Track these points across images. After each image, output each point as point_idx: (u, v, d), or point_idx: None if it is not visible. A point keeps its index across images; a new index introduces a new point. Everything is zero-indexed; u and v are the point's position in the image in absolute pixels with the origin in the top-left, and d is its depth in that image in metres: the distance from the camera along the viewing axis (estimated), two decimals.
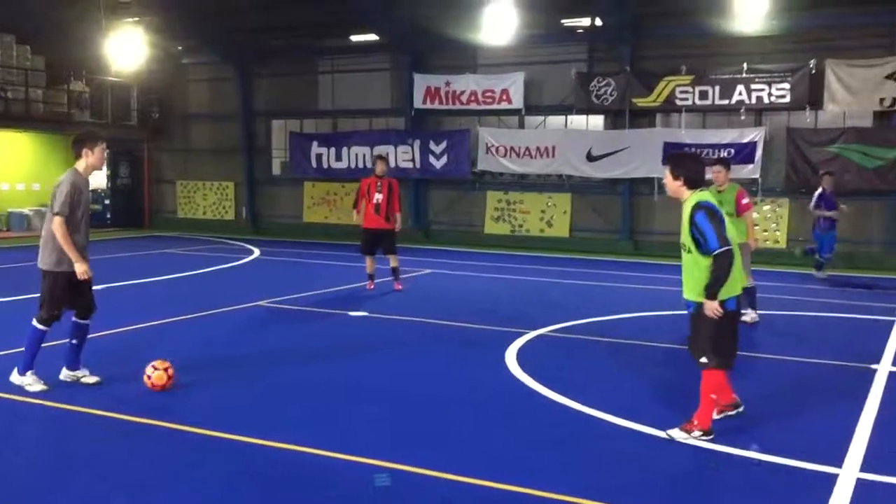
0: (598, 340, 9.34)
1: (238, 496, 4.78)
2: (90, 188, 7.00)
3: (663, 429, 5.93)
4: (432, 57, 21.83)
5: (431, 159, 21.58)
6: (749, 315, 10.36)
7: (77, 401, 6.47)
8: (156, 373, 6.73)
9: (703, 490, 5.09)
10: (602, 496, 4.78)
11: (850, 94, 17.29)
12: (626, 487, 5.00)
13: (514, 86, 20.50)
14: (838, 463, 5.36)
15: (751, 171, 18.19)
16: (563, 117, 20.74)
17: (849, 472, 5.22)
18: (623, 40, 19.43)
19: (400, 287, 12.71)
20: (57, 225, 6.55)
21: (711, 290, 5.62)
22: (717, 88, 18.46)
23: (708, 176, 10.92)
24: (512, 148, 20.62)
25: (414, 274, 14.92)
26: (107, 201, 24.69)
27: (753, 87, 18.11)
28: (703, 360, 5.84)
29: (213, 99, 25.04)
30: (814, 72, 17.52)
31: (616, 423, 6.18)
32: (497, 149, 20.81)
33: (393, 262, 12.85)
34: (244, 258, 17.28)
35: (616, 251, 19.24)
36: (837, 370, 8.19)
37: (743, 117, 18.58)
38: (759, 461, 5.38)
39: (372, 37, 22.34)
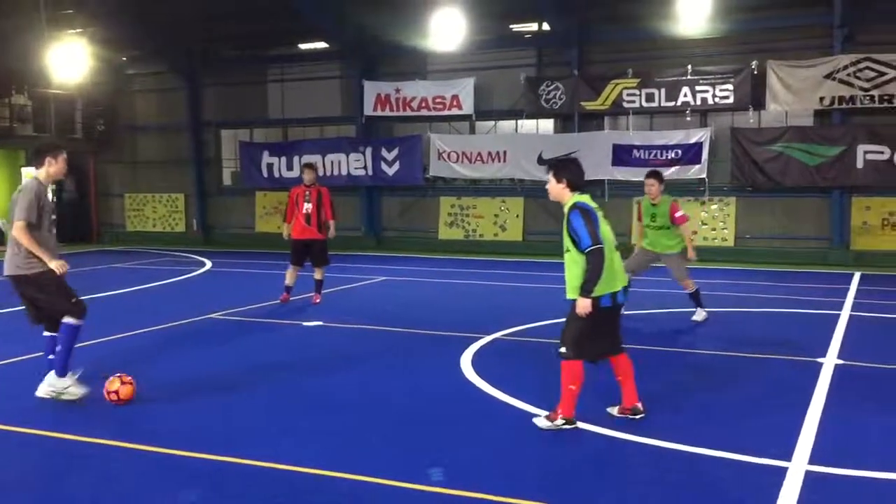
0: (552, 343, 9.40)
1: None
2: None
3: (618, 429, 6.01)
4: (382, 64, 21.82)
5: (384, 166, 21.56)
6: (699, 314, 10.56)
7: (36, 424, 6.33)
8: (122, 387, 6.70)
9: (651, 487, 5.15)
10: (553, 497, 4.82)
11: (791, 94, 17.72)
12: (573, 488, 5.04)
13: (464, 91, 20.59)
14: (787, 456, 5.47)
15: (698, 171, 18.54)
16: (514, 122, 20.89)
17: (798, 465, 5.32)
18: (570, 44, 19.67)
19: (318, 300, 12.19)
20: (20, 230, 6.57)
21: (586, 287, 5.87)
22: (663, 91, 18.77)
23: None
24: (464, 153, 20.71)
25: (367, 282, 14.89)
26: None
27: (698, 88, 18.45)
28: (563, 350, 6.07)
29: (160, 109, 24.69)
30: (756, 72, 17.92)
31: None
32: (449, 154, 20.88)
33: (319, 274, 12.28)
34: (196, 270, 17.06)
35: None
36: (784, 364, 8.37)
37: (689, 118, 18.92)
38: None
39: (321, 45, 22.28)
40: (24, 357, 8.39)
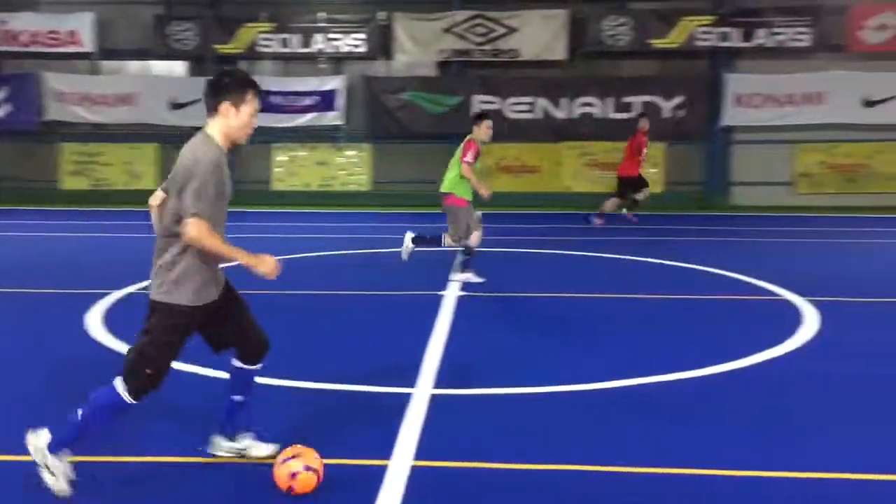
0: None
1: None
2: None
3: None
4: None
5: None
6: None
7: None
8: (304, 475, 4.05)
9: (281, 423, 5.21)
10: None
11: (415, 45, 18.82)
12: None
13: (83, 27, 18.79)
14: (412, 383, 5.84)
15: (334, 118, 19.03)
16: (144, 63, 19.57)
17: (423, 390, 5.67)
18: None
19: None
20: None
21: None
22: (299, 37, 18.85)
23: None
24: (87, 96, 19.00)
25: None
26: None
27: (331, 36, 18.83)
28: None
29: None
30: (385, 23, 18.69)
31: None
32: (70, 96, 19.02)
33: None
34: None
35: None
36: (409, 300, 8.98)
37: (323, 66, 19.24)
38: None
39: None
40: None
